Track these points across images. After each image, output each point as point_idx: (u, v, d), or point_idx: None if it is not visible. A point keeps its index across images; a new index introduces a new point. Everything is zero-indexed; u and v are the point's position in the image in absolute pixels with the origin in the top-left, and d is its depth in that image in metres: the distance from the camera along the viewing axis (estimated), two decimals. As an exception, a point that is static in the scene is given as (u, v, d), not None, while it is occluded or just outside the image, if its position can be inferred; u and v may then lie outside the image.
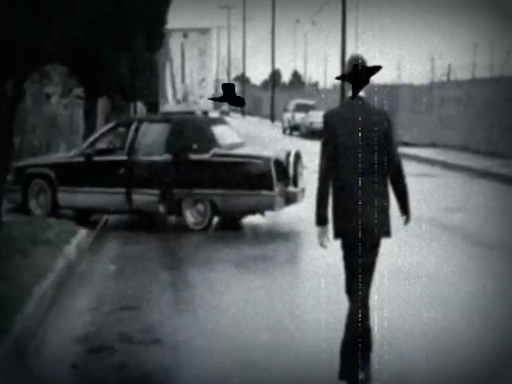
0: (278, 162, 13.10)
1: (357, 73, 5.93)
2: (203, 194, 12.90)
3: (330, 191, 5.97)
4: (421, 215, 14.33)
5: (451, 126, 31.29)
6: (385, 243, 6.10)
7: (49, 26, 9.02)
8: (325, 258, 9.17)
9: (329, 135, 5.95)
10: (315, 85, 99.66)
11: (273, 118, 64.97)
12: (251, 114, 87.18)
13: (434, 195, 17.53)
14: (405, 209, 6.20)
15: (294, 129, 46.41)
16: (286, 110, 49.41)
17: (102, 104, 40.02)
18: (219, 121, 14.48)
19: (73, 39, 20.53)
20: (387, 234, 6.02)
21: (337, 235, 6.02)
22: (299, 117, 45.22)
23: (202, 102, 31.13)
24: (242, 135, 15.68)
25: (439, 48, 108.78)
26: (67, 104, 28.62)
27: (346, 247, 6.05)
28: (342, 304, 6.24)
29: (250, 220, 13.92)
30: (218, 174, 12.93)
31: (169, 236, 12.98)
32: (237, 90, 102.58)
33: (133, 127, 13.63)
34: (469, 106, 29.90)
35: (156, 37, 29.01)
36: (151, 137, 13.56)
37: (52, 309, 8.27)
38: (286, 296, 8.96)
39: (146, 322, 7.90)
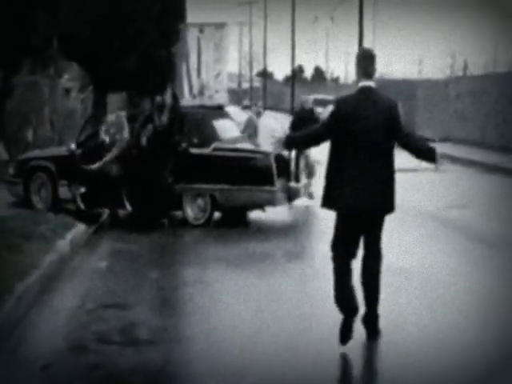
0: (279, 157, 12.74)
1: (367, 63, 6.58)
2: (203, 189, 12.54)
3: (337, 169, 6.51)
4: (423, 211, 14.00)
5: (466, 120, 30.81)
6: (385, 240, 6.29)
7: (34, 21, 8.77)
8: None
9: (338, 117, 6.49)
10: (336, 80, 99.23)
11: (292, 112, 64.41)
12: (273, 108, 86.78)
13: (440, 190, 17.12)
14: (429, 157, 6.72)
15: (312, 123, 45.78)
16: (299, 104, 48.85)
17: (118, 99, 39.84)
18: (221, 114, 14.11)
19: (80, 35, 20.38)
20: (390, 209, 6.64)
21: (329, 204, 6.60)
22: (318, 111, 44.66)
23: (218, 96, 30.68)
24: (262, 129, 15.53)
25: (461, 44, 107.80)
26: (84, 98, 28.49)
27: (342, 216, 6.61)
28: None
29: (256, 215, 13.56)
30: (218, 169, 12.59)
31: (169, 232, 12.58)
32: (258, 84, 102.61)
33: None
34: (483, 100, 29.42)
35: (171, 32, 28.72)
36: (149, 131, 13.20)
37: (34, 307, 7.95)
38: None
39: (129, 322, 7.58)
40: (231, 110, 19.83)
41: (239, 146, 12.74)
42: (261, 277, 9.48)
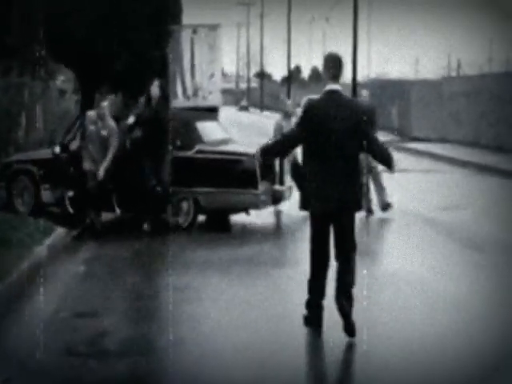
0: (264, 160, 12.44)
1: (335, 67, 6.78)
2: (186, 192, 12.23)
3: (309, 172, 6.84)
4: (414, 212, 13.75)
5: (460, 120, 30.54)
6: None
7: (8, 23, 8.51)
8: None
9: (306, 119, 6.75)
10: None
11: (289, 113, 64.08)
12: (270, 108, 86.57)
13: (433, 191, 16.83)
14: (387, 164, 7.07)
15: (306, 124, 45.68)
16: (298, 104, 48.89)
17: (112, 101, 39.54)
18: (207, 116, 13.79)
19: (66, 36, 20.06)
20: (357, 207, 6.98)
21: (305, 206, 6.93)
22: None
23: (211, 97, 30.24)
24: (251, 129, 15.24)
25: (457, 44, 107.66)
26: (78, 100, 28.21)
27: (314, 216, 6.90)
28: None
29: (240, 218, 13.26)
30: (201, 172, 12.28)
31: (151, 236, 12.25)
32: (255, 85, 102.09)
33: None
34: (477, 100, 29.14)
35: (163, 33, 28.40)
36: (136, 133, 12.89)
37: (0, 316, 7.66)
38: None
39: (100, 332, 7.28)
40: (228, 111, 19.34)
41: (223, 148, 12.44)
42: (242, 283, 9.19)
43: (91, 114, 12.46)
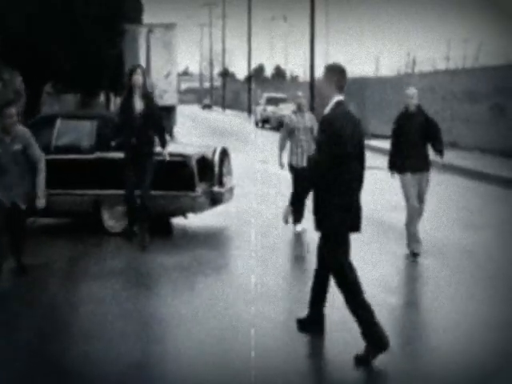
0: (202, 160, 11.66)
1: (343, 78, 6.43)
2: (120, 196, 11.35)
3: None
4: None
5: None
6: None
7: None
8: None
9: (336, 135, 6.19)
10: (295, 78, 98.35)
11: (250, 111, 63.56)
12: (232, 107, 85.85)
13: (385, 190, 16.13)
14: None
15: (265, 121, 45.21)
16: (258, 103, 48.42)
17: (71, 99, 38.56)
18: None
19: (11, 37, 19.20)
20: None
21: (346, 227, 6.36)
22: (270, 110, 44.00)
23: (167, 96, 29.65)
24: (215, 128, 14.32)
25: (415, 42, 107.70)
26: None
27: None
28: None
29: (181, 222, 12.46)
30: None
31: (84, 241, 11.39)
32: (218, 84, 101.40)
33: (56, 123, 12.09)
34: (432, 97, 28.61)
35: (117, 33, 27.65)
36: (71, 134, 12.04)
37: None
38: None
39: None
40: (191, 109, 18.39)
41: (158, 148, 11.60)
42: (169, 295, 8.41)
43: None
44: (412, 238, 10.12)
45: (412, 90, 10.44)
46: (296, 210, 10.87)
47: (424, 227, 10.92)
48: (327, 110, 6.34)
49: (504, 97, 24.26)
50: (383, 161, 12.33)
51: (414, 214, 10.12)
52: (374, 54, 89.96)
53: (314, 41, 40.06)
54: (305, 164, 11.55)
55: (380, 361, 6.15)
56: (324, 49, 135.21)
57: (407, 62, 37.49)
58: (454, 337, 6.91)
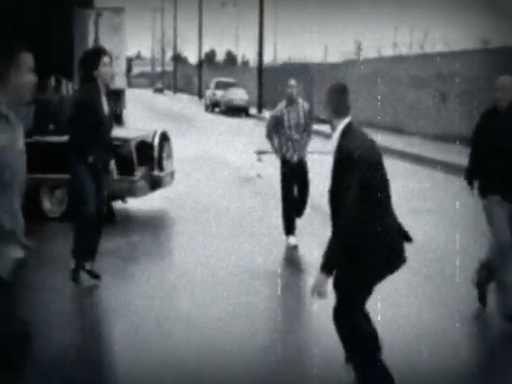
0: (142, 144, 11.35)
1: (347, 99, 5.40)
2: (59, 180, 11.02)
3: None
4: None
5: (359, 101, 29.95)
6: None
7: None
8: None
9: (364, 163, 5.10)
10: (246, 63, 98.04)
11: (200, 95, 63.22)
12: (184, 91, 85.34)
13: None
14: None
15: (214, 105, 45.06)
16: (207, 87, 48.22)
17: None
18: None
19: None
20: None
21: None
22: (219, 94, 43.85)
23: (116, 79, 29.06)
24: (164, 111, 13.96)
25: (363, 29, 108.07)
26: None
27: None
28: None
29: (126, 205, 12.15)
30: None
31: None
32: (170, 68, 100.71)
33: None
34: (376, 82, 28.59)
35: (65, 17, 27.03)
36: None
37: None
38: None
39: None
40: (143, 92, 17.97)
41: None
42: (103, 280, 8.13)
43: None
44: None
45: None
46: (288, 220, 10.02)
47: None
48: (334, 139, 5.32)
49: (446, 84, 24.29)
50: (325, 144, 12.08)
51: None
52: (323, 41, 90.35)
53: (262, 28, 39.98)
54: (300, 157, 10.18)
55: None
56: (272, 36, 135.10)
57: (356, 49, 37.56)
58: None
